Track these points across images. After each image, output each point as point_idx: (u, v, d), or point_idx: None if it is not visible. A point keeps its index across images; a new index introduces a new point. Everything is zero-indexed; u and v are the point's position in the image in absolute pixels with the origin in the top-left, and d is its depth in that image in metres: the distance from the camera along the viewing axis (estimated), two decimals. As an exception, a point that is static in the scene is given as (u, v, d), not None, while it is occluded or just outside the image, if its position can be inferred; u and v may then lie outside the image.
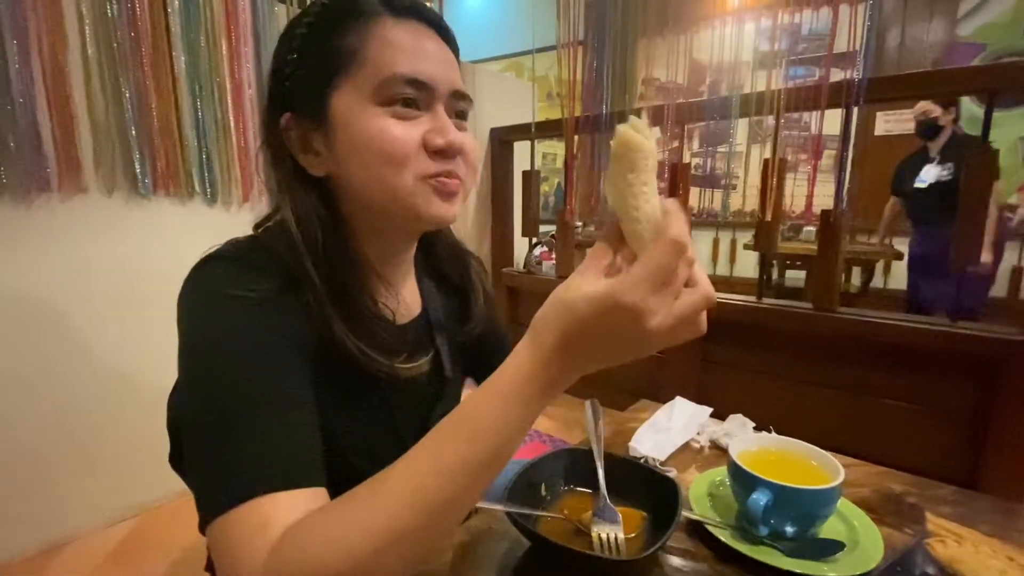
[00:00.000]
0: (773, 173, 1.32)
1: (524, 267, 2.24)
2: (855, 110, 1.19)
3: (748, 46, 4.21)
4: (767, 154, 1.33)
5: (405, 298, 0.61)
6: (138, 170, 1.10)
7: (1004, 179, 3.71)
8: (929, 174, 2.48)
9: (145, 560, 1.10)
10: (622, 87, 2.80)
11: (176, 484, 0.47)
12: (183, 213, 1.19)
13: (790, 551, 0.48)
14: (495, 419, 0.37)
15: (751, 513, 0.49)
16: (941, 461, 1.15)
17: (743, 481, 0.51)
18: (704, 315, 0.37)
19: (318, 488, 0.40)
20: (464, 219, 2.05)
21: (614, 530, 0.50)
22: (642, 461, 0.66)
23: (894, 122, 3.90)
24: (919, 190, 2.55)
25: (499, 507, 0.49)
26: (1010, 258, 2.50)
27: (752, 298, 1.40)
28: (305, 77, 0.49)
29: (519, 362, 0.38)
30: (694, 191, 4.40)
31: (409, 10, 0.49)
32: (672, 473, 0.65)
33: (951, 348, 1.11)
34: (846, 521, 0.53)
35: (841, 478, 0.49)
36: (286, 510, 0.37)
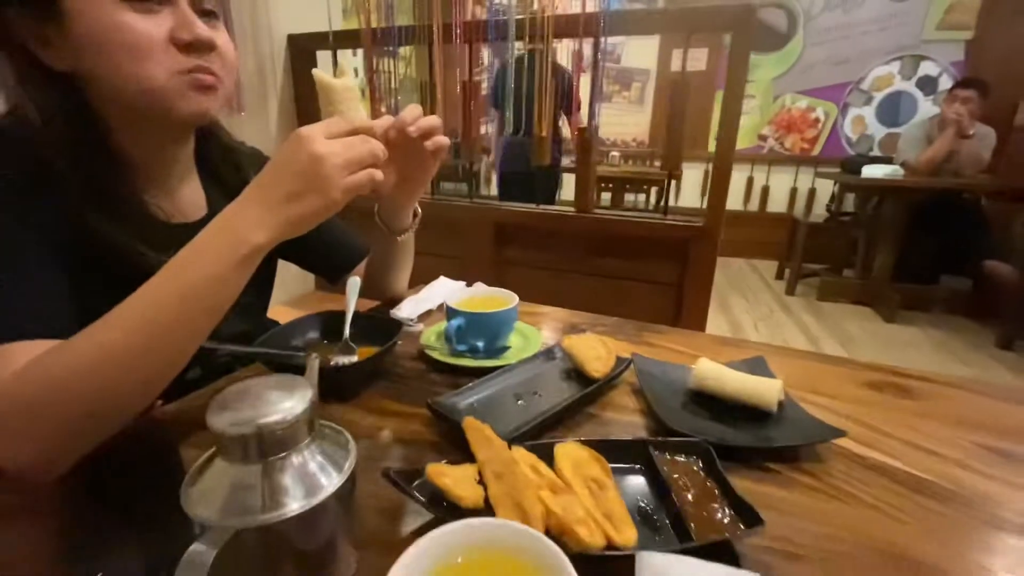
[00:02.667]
0: (544, 95, 1.53)
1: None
2: (603, 40, 1.42)
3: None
4: (586, 82, 1.51)
5: (184, 198, 0.62)
6: None
7: (760, 114, 4.56)
8: None
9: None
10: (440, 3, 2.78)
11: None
12: None
13: (479, 358, 0.69)
14: (192, 254, 0.45)
15: (449, 333, 0.68)
16: (656, 320, 1.55)
17: (448, 315, 0.70)
18: (379, 172, 0.48)
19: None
20: (266, 130, 1.96)
21: (350, 358, 0.66)
22: (397, 321, 0.83)
23: (695, 60, 4.50)
24: None
25: (232, 347, 0.60)
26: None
27: (534, 206, 1.66)
28: None
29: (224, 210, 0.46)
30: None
31: None
32: (419, 327, 0.83)
33: (660, 235, 1.48)
34: (525, 337, 0.76)
35: (511, 306, 0.70)
36: (30, 351, 0.43)
